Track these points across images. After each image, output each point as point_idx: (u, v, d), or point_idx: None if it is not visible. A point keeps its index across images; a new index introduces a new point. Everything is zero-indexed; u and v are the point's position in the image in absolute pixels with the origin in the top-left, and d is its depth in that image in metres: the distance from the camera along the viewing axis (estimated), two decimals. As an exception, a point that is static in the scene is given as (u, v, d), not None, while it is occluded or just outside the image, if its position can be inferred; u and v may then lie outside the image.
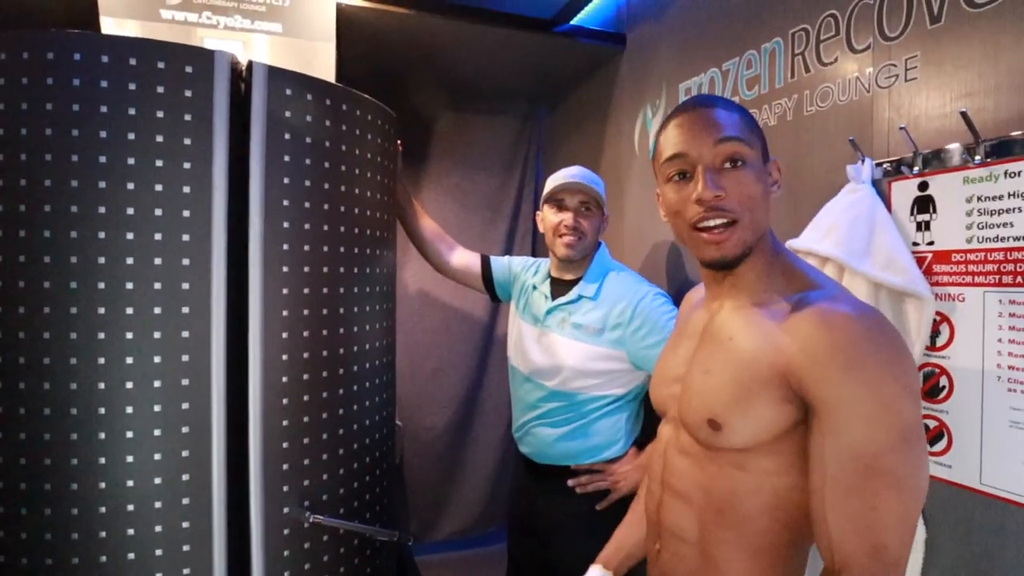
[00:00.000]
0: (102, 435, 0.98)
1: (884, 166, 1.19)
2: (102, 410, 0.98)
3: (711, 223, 0.80)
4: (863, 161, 1.20)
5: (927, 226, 1.12)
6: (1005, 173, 1.01)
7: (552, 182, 1.62)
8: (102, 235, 0.98)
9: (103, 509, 0.99)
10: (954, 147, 1.08)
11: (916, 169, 1.12)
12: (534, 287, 1.68)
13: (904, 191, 1.16)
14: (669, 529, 0.91)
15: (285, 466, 1.10)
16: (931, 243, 1.11)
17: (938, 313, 1.10)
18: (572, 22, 2.08)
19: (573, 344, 1.53)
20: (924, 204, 1.13)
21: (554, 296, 1.62)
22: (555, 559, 1.57)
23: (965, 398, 1.06)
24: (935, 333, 1.10)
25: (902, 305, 1.12)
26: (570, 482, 1.54)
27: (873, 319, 0.72)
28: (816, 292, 0.78)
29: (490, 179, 2.71)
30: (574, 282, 1.61)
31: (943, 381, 1.10)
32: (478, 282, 1.79)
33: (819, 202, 1.27)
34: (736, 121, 0.82)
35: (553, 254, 1.64)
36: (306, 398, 1.13)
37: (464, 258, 1.78)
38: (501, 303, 1.94)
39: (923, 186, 1.12)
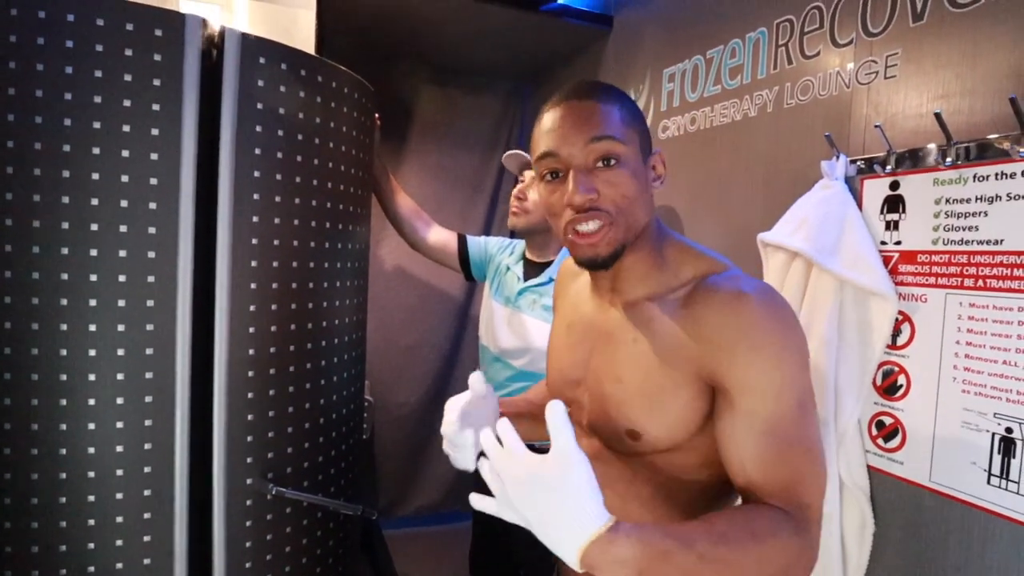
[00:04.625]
0: (63, 401, 0.97)
1: (858, 163, 1.19)
2: (64, 376, 0.97)
3: (583, 227, 0.78)
4: (838, 157, 1.20)
5: (896, 226, 1.13)
6: (974, 176, 1.02)
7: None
8: (66, 200, 0.96)
9: (63, 475, 0.98)
10: (927, 148, 1.09)
11: (889, 168, 1.13)
12: (508, 268, 1.68)
13: (876, 189, 1.17)
14: None
15: (249, 438, 1.10)
16: (898, 243, 1.13)
17: (900, 312, 1.12)
18: (559, 1, 2.05)
19: (543, 325, 1.54)
20: (894, 204, 1.14)
21: (526, 277, 1.63)
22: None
23: (921, 397, 1.09)
24: (896, 332, 1.12)
25: (866, 303, 1.14)
26: None
27: (770, 297, 0.74)
28: (712, 277, 0.78)
29: (471, 158, 2.68)
30: (547, 264, 1.61)
31: (901, 380, 1.12)
32: (454, 261, 1.78)
33: (794, 195, 1.27)
34: (612, 115, 0.77)
35: None
36: (272, 371, 1.12)
37: (440, 236, 1.77)
38: (477, 283, 1.93)
39: (894, 185, 1.13)
